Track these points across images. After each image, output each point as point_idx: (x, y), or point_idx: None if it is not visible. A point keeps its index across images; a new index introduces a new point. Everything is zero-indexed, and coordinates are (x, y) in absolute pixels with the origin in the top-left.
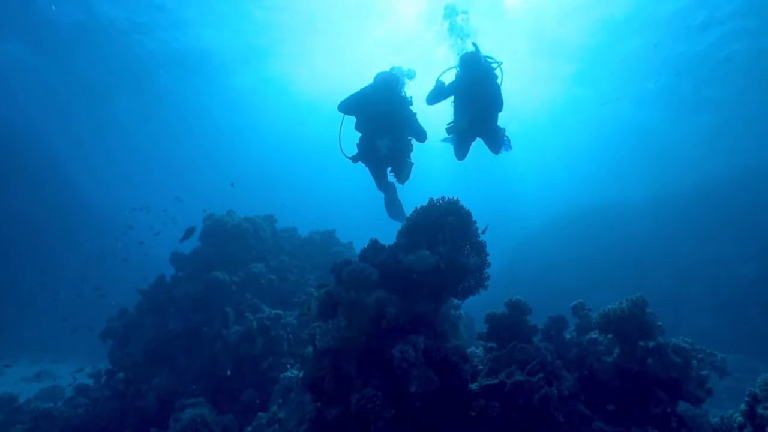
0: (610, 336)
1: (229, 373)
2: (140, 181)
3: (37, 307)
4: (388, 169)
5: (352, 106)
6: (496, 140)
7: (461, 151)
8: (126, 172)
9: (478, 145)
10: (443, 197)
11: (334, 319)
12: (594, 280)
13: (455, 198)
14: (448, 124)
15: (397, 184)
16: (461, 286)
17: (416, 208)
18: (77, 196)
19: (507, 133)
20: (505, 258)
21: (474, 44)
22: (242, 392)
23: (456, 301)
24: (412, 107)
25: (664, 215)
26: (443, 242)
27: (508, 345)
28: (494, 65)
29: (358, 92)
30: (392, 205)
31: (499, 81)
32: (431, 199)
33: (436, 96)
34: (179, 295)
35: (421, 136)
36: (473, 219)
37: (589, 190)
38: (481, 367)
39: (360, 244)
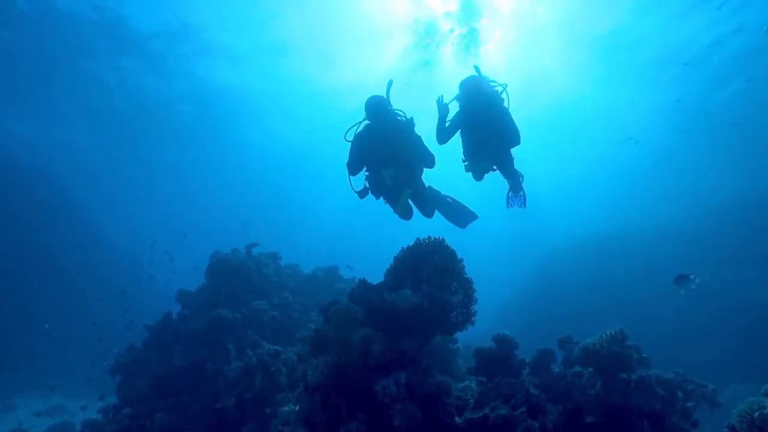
0: (591, 369)
1: None
2: (153, 213)
3: (51, 341)
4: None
5: (357, 158)
6: (514, 182)
7: (478, 176)
8: (140, 205)
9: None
10: (429, 237)
11: (323, 356)
12: (608, 306)
13: (441, 238)
14: (463, 162)
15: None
16: (446, 322)
17: (402, 248)
18: (93, 230)
19: (523, 184)
20: (519, 286)
21: (475, 66)
22: (242, 426)
23: (454, 335)
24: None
25: (677, 240)
26: (427, 281)
27: (495, 379)
28: (498, 89)
29: (355, 141)
30: (449, 210)
31: (506, 105)
32: (418, 239)
33: (443, 133)
34: (184, 332)
35: (428, 160)
36: (459, 258)
37: (606, 215)
38: (472, 401)
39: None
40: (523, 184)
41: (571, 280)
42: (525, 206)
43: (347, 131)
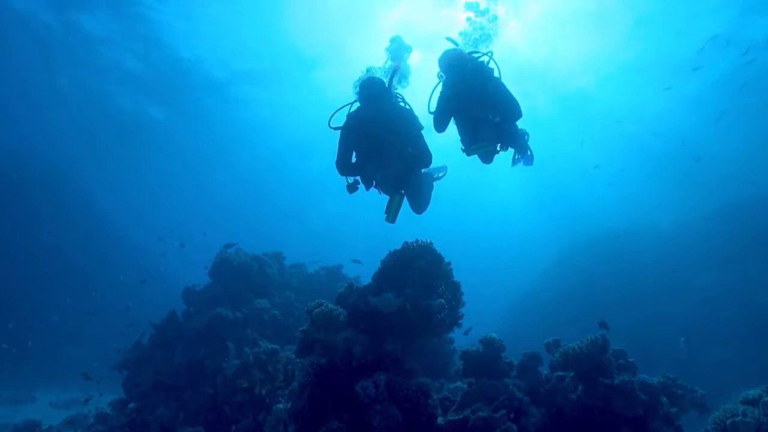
0: (571, 374)
1: None
2: (168, 212)
3: (70, 334)
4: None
5: (346, 152)
6: (518, 146)
7: (488, 159)
8: (154, 204)
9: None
10: (417, 240)
11: (310, 357)
12: (614, 307)
13: (428, 241)
14: (463, 150)
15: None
16: (430, 325)
17: (390, 251)
18: (107, 228)
19: (529, 142)
20: (524, 288)
21: (449, 39)
22: (239, 422)
23: (450, 336)
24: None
25: (686, 240)
26: (411, 284)
27: (479, 381)
28: (484, 59)
29: (344, 129)
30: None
31: (497, 75)
32: (405, 243)
33: (439, 119)
34: (186, 330)
35: (425, 159)
36: (446, 261)
37: (607, 214)
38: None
39: None
40: (529, 143)
41: (584, 278)
42: (531, 164)
43: (332, 116)
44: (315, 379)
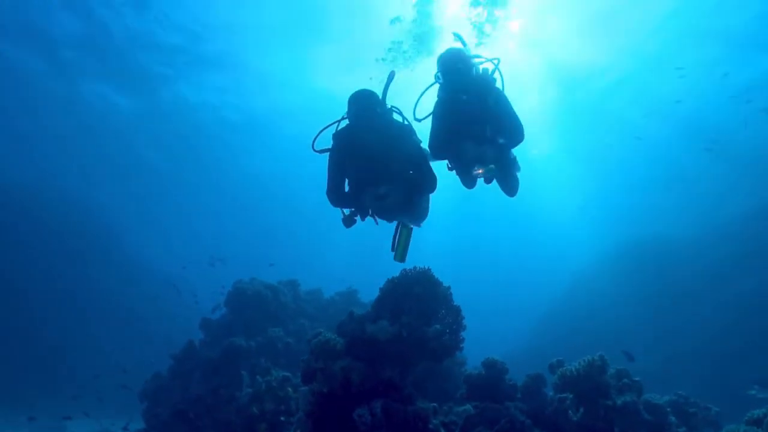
0: (571, 396)
1: None
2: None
3: (100, 362)
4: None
5: (338, 178)
6: (511, 175)
7: (469, 181)
8: (175, 237)
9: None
10: (415, 267)
11: (311, 385)
12: (643, 320)
13: (426, 268)
14: (449, 168)
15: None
16: (427, 351)
17: (388, 279)
18: (132, 260)
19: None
20: (546, 304)
21: (456, 35)
22: None
23: (461, 358)
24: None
25: (716, 248)
26: (408, 312)
27: (481, 405)
28: (488, 66)
29: (332, 151)
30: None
31: (500, 87)
32: (403, 270)
33: (438, 151)
34: (203, 360)
35: (428, 183)
36: (445, 287)
37: (631, 224)
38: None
39: None
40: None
41: (609, 290)
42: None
43: (316, 136)
44: (317, 407)
